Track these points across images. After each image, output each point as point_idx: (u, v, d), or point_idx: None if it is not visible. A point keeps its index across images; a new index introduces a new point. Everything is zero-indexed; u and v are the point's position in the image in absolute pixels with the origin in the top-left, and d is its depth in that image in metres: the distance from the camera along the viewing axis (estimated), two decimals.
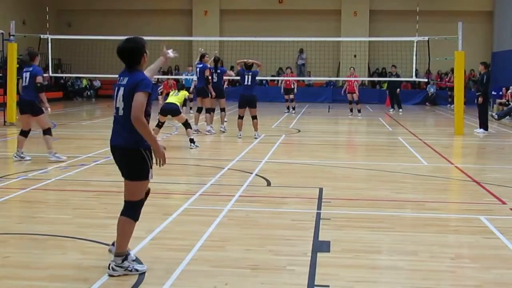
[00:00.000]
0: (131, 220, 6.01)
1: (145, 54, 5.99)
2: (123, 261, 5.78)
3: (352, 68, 26.36)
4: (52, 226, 7.46)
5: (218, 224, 7.60)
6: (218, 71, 18.68)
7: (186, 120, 14.97)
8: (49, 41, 22.56)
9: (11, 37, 20.74)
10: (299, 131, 19.50)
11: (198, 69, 18.39)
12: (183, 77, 25.76)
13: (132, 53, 5.90)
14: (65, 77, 36.13)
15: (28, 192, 9.40)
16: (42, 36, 22.50)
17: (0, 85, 22.32)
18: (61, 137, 16.77)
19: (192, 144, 14.69)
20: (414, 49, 22.07)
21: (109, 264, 5.81)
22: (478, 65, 20.37)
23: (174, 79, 22.92)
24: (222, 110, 18.90)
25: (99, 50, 32.11)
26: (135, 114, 5.61)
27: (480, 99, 18.96)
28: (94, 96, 37.59)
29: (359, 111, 25.22)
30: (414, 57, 22.08)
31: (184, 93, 15.51)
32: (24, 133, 12.37)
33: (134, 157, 5.90)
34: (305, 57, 37.09)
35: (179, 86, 16.65)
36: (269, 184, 10.31)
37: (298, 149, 15.54)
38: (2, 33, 20.88)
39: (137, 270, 5.80)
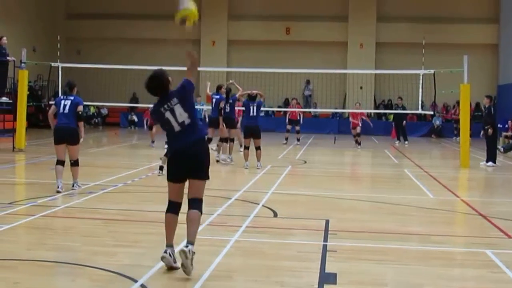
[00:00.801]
0: (200, 214, 7.03)
1: (169, 80, 7.14)
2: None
3: (358, 104, 26.42)
4: (61, 253, 7.53)
5: (225, 254, 7.66)
6: (230, 101, 18.78)
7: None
8: (60, 69, 22.76)
9: (22, 64, 20.97)
10: (306, 162, 19.57)
11: (214, 100, 18.56)
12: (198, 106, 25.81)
13: (161, 87, 7.11)
14: None
15: (37, 218, 9.48)
16: (52, 64, 22.71)
17: (10, 111, 22.53)
18: (68, 164, 16.87)
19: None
20: (420, 81, 22.21)
21: (189, 250, 6.55)
22: (483, 98, 20.47)
23: None
24: (231, 140, 18.96)
25: (107, 78, 32.41)
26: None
27: (490, 131, 18.95)
28: (102, 124, 37.82)
29: (359, 143, 25.10)
30: (420, 90, 22.21)
31: None
32: (62, 163, 12.21)
33: (206, 148, 6.95)
34: (311, 88, 37.28)
35: None
36: (275, 215, 10.37)
37: (304, 180, 15.60)
38: (14, 60, 21.10)
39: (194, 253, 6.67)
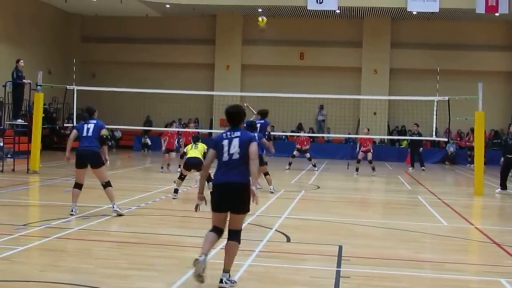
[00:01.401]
0: (239, 245, 7.60)
1: (244, 116, 8.00)
2: (229, 275, 7.35)
3: (366, 129, 26.33)
4: (75, 275, 7.55)
5: (239, 279, 7.65)
6: (244, 125, 18.77)
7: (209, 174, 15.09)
8: (75, 91, 22.93)
9: (38, 87, 21.14)
10: (319, 187, 19.55)
11: (259, 125, 18.51)
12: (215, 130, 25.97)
13: (239, 115, 7.83)
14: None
15: (51, 240, 9.52)
16: (68, 86, 22.89)
17: (25, 133, 22.68)
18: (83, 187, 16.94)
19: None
20: (435, 108, 22.16)
21: (221, 279, 7.28)
22: (498, 126, 20.41)
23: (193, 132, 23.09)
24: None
25: (121, 102, 32.63)
26: (254, 157, 7.46)
27: None
28: (115, 147, 37.94)
29: (373, 169, 24.97)
30: (434, 116, 22.16)
31: (203, 146, 15.61)
32: (80, 186, 12.25)
33: (247, 190, 7.46)
34: (325, 113, 37.32)
35: (194, 138, 16.51)
36: (288, 240, 10.35)
37: (317, 206, 15.58)
38: (30, 83, 21.28)
39: (235, 282, 7.41)
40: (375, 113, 34.10)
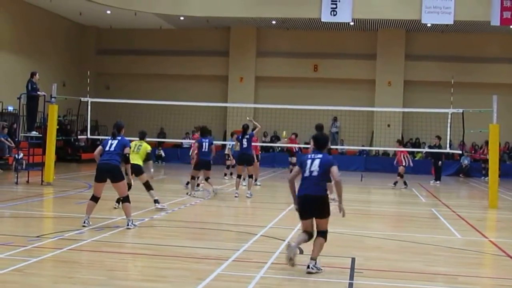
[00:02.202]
0: (325, 241, 9.15)
1: (328, 143, 9.51)
2: (316, 263, 8.81)
3: (397, 142, 26.08)
4: (87, 287, 7.56)
5: None
6: (247, 136, 19.08)
7: (147, 181, 15.08)
8: (89, 103, 23.02)
9: (52, 99, 21.26)
10: (332, 199, 19.47)
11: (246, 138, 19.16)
12: (228, 142, 26.02)
13: (325, 142, 9.46)
14: (101, 139, 36.62)
15: (64, 252, 9.54)
16: (82, 99, 22.99)
17: (39, 145, 22.79)
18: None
19: (157, 204, 14.94)
20: (449, 120, 22.09)
21: (308, 265, 8.75)
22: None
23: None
24: (250, 176, 19.23)
25: (135, 113, 32.72)
26: (337, 179, 8.99)
27: None
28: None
29: (395, 183, 24.66)
30: (448, 129, 22.09)
31: (146, 147, 15.31)
32: (96, 199, 12.26)
33: (326, 201, 9.13)
34: (338, 125, 37.28)
35: (141, 134, 16.01)
36: (301, 252, 10.32)
37: (331, 217, 15.51)
38: (44, 95, 21.41)
39: (320, 269, 8.85)
40: (389, 125, 34.02)
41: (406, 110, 33.63)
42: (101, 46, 40.71)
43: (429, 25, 34.02)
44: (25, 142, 24.37)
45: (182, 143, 36.53)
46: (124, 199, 12.26)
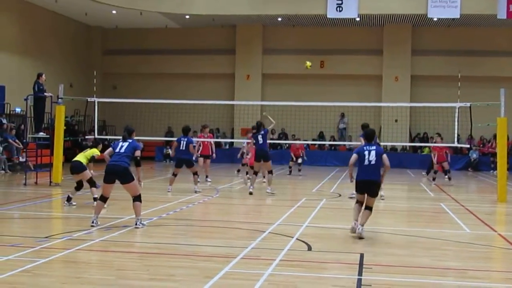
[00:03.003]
0: (370, 213, 11.69)
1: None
2: (363, 228, 11.37)
3: (437, 136, 25.54)
4: (95, 287, 7.57)
5: None
6: (262, 133, 19.06)
7: (90, 178, 15.12)
8: (96, 103, 23.04)
9: (59, 99, 21.29)
10: (340, 195, 19.48)
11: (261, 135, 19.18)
12: (245, 140, 25.64)
13: (374, 135, 12.16)
14: (109, 139, 36.65)
15: (73, 252, 9.55)
16: (89, 99, 23.03)
17: (47, 146, 22.84)
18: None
19: (94, 202, 14.54)
20: (456, 114, 22.01)
21: (358, 229, 11.36)
22: None
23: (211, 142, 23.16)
24: (269, 172, 19.20)
25: (142, 113, 32.78)
26: (388, 164, 11.85)
27: None
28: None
29: (449, 178, 24.16)
30: (456, 123, 22.01)
31: (93, 151, 15.35)
32: (105, 200, 12.33)
33: (379, 185, 11.90)
34: (346, 121, 37.23)
35: (95, 143, 16.43)
36: (309, 248, 10.32)
37: (339, 214, 15.51)
38: (51, 96, 21.44)
39: (363, 231, 11.46)
40: (396, 121, 33.94)
41: (413, 105, 33.59)
42: (107, 46, 40.80)
43: (435, 19, 33.94)
44: (33, 143, 24.43)
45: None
46: (136, 198, 12.23)
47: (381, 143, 27.19)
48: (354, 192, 12.05)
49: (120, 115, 34.65)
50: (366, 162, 11.52)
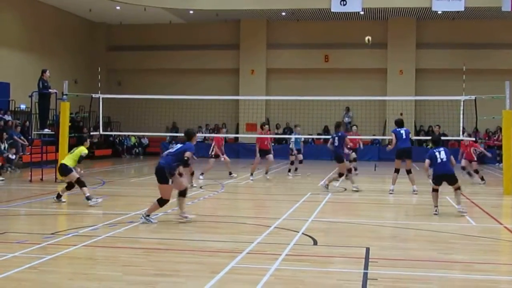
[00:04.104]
0: (460, 190, 14.15)
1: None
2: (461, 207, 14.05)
3: (468, 132, 24.18)
4: (102, 283, 7.58)
5: (265, 283, 7.63)
6: (339, 134, 19.04)
7: (78, 179, 14.87)
8: (100, 100, 23.03)
9: (64, 96, 21.30)
10: (345, 189, 19.47)
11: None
12: (292, 136, 25.23)
13: (439, 139, 14.81)
14: (115, 135, 36.71)
15: (79, 248, 9.56)
16: (93, 95, 23.03)
17: (52, 143, 22.87)
18: (109, 194, 17.06)
19: (89, 201, 14.51)
20: (461, 107, 21.95)
21: (459, 210, 13.73)
22: None
23: (220, 137, 23.04)
24: (349, 171, 19.29)
25: (147, 109, 32.77)
26: (454, 162, 14.27)
27: None
28: (142, 154, 38.16)
29: (481, 178, 22.31)
30: (461, 116, 21.95)
31: (80, 150, 15.23)
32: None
33: (454, 175, 14.24)
34: (351, 115, 37.18)
35: (79, 140, 16.19)
36: (315, 243, 10.31)
37: (344, 208, 15.51)
38: (56, 92, 21.45)
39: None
40: (401, 114, 33.83)
41: (418, 98, 33.54)
42: (111, 42, 40.83)
43: (439, 12, 33.85)
44: (38, 140, 24.47)
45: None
46: (181, 193, 12.27)
47: (386, 137, 27.22)
48: (431, 182, 14.46)
49: (125, 111, 34.69)
50: (439, 160, 13.91)
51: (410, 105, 34.84)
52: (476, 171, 22.44)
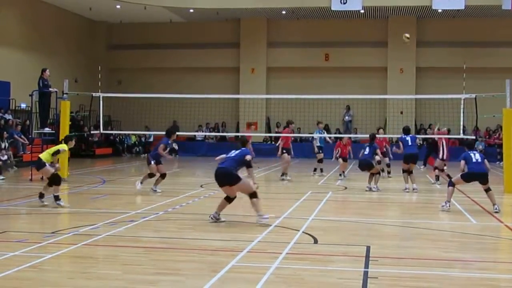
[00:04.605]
0: (491, 191, 14.65)
1: None
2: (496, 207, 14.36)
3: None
4: (102, 282, 7.58)
5: (266, 282, 7.62)
6: (374, 145, 19.44)
7: (53, 174, 14.32)
8: (101, 99, 23.02)
9: (64, 95, 21.30)
10: (346, 188, 19.47)
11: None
12: (315, 135, 24.96)
13: (473, 143, 15.45)
14: (115, 133, 36.69)
15: (79, 247, 9.56)
16: (94, 94, 23.03)
17: (52, 142, 22.87)
18: (110, 193, 17.06)
19: (57, 201, 14.08)
20: (462, 106, 21.94)
21: (494, 208, 14.12)
22: None
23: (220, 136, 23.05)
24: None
25: (147, 107, 32.80)
26: (489, 167, 14.79)
27: None
28: (143, 152, 38.12)
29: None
30: (462, 114, 21.93)
31: (58, 146, 14.72)
32: (229, 199, 12.30)
33: (487, 175, 14.61)
34: (351, 113, 37.18)
35: (65, 139, 15.55)
36: (316, 241, 10.31)
37: (345, 207, 15.52)
38: (56, 91, 21.45)
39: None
40: (401, 112, 33.88)
41: (418, 97, 33.54)
42: (111, 41, 40.82)
43: (440, 10, 33.84)
44: (38, 139, 24.47)
45: (195, 136, 36.61)
46: (251, 195, 12.10)
47: (387, 135, 27.20)
48: (459, 177, 14.57)
49: (125, 110, 34.67)
50: (474, 160, 14.40)
51: (411, 103, 34.85)
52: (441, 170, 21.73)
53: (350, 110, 37.19)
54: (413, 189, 18.64)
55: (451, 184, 14.70)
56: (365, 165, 19.06)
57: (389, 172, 23.75)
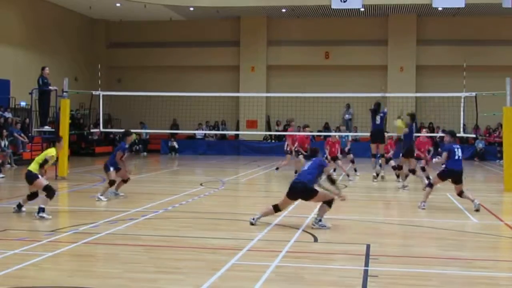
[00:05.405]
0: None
1: None
2: None
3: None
4: (102, 280, 7.58)
5: (266, 280, 7.63)
6: (381, 114, 20.45)
7: (47, 186, 12.74)
8: (101, 97, 23.01)
9: (64, 93, 21.30)
10: (346, 186, 19.46)
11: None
12: (346, 134, 24.56)
13: (455, 134, 14.87)
14: (115, 132, 36.65)
15: (79, 246, 9.56)
16: (94, 92, 23.01)
17: (52, 140, 22.85)
18: (110, 191, 17.04)
19: (40, 213, 12.36)
20: (462, 104, 21.93)
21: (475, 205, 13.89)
22: None
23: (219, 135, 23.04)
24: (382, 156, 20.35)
25: (147, 106, 32.80)
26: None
27: None
28: (143, 150, 38.10)
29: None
30: (462, 113, 21.93)
31: (46, 152, 13.16)
32: (277, 209, 11.81)
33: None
34: (352, 112, 37.16)
35: (57, 138, 14.53)
36: (316, 240, 10.31)
37: (345, 205, 15.47)
38: (56, 90, 21.44)
39: None
40: (402, 111, 33.82)
41: (419, 95, 33.49)
42: (111, 40, 40.80)
43: (440, 9, 33.78)
44: (38, 137, 24.46)
45: (195, 134, 36.60)
46: (327, 203, 11.68)
47: (387, 134, 27.19)
48: (435, 177, 14.64)
49: (125, 108, 34.69)
50: (456, 157, 14.02)
51: (411, 101, 34.81)
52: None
53: (350, 108, 37.15)
54: (403, 186, 19.05)
55: (431, 185, 14.77)
56: (380, 136, 20.11)
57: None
